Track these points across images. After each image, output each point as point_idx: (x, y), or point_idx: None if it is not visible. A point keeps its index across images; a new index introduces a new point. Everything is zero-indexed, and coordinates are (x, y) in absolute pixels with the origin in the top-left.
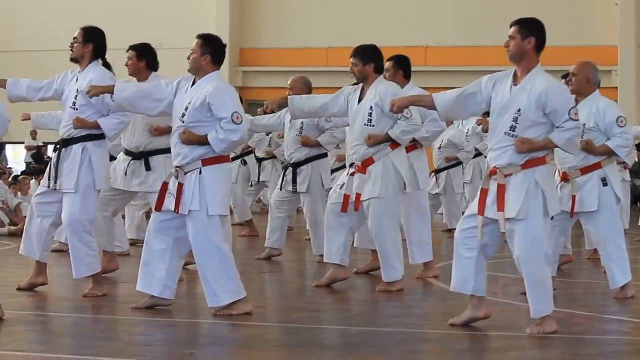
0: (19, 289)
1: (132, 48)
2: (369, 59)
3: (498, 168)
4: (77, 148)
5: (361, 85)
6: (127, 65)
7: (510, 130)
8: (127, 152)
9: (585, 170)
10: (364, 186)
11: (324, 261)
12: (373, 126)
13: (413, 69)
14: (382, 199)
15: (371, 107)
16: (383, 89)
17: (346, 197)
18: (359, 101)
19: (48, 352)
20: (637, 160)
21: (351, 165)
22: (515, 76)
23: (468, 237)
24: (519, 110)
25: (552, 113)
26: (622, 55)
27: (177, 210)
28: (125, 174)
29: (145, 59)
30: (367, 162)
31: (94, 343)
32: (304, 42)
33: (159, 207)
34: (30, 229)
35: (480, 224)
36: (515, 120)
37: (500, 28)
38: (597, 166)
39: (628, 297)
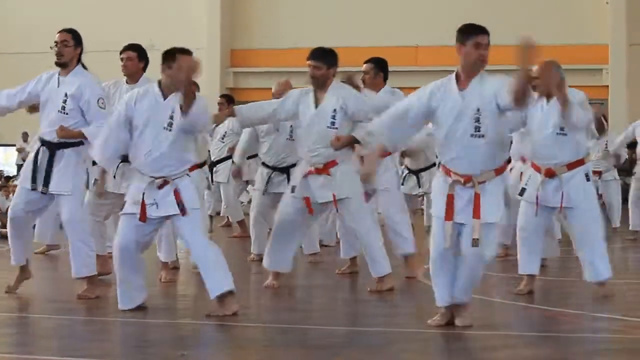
0: (7, 292)
1: (132, 48)
2: (331, 62)
3: (473, 176)
4: (69, 151)
5: (310, 88)
6: (124, 65)
7: (476, 130)
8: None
9: (572, 166)
10: (330, 187)
11: (266, 267)
12: (336, 128)
13: (404, 68)
14: (353, 198)
15: (335, 110)
16: (346, 93)
17: (308, 200)
18: (316, 105)
19: (38, 353)
20: (627, 158)
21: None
22: (457, 81)
23: (444, 260)
24: (478, 110)
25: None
26: (613, 53)
27: (183, 213)
28: (114, 177)
29: (144, 60)
30: (330, 164)
31: (84, 344)
32: (294, 42)
33: (143, 217)
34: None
35: (449, 230)
36: (477, 120)
37: (492, 28)
38: (582, 162)
39: (608, 294)
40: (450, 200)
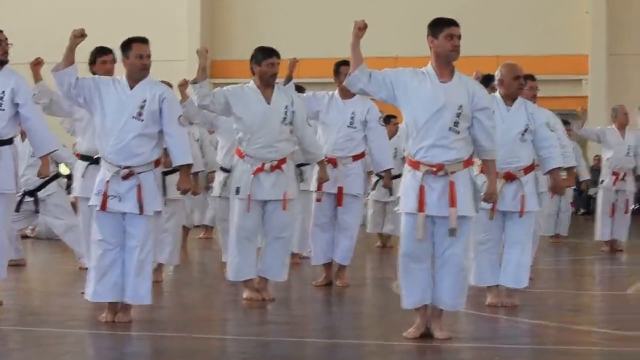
0: None
1: (111, 51)
2: None
3: (445, 164)
4: (7, 149)
5: (250, 85)
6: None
7: (455, 125)
8: (85, 157)
9: (527, 170)
10: (287, 184)
11: (231, 278)
12: (288, 124)
13: None
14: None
15: (286, 106)
16: (291, 92)
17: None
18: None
19: None
20: (590, 167)
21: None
22: (435, 74)
23: (415, 260)
24: (461, 107)
25: (482, 110)
26: (592, 63)
27: (140, 212)
28: (83, 178)
29: None
30: (283, 160)
31: (58, 358)
32: None
33: (104, 206)
34: None
35: (422, 221)
36: (458, 115)
37: (471, 38)
38: (533, 167)
39: (515, 304)
40: (422, 191)
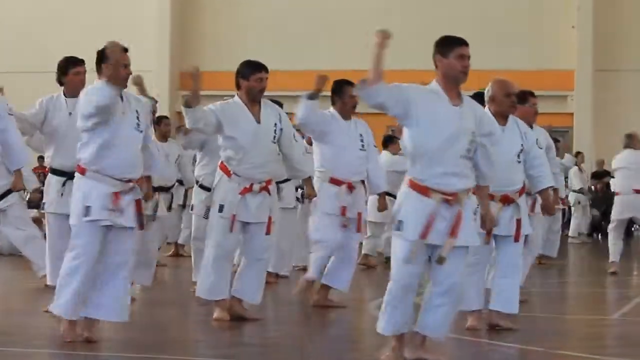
0: None
1: (83, 61)
2: None
3: (458, 193)
4: None
5: (236, 100)
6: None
7: (467, 152)
8: (59, 172)
9: (521, 192)
10: (271, 206)
11: (204, 297)
12: (276, 142)
13: None
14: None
15: (275, 124)
16: (279, 110)
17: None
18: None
19: None
20: (593, 189)
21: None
22: (446, 95)
23: (409, 289)
24: (473, 133)
25: (488, 136)
26: (578, 79)
27: (140, 227)
28: (61, 195)
29: None
30: (270, 181)
31: None
32: None
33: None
34: None
35: (418, 247)
36: (470, 142)
37: None
38: (524, 188)
39: (510, 327)
40: (431, 220)
